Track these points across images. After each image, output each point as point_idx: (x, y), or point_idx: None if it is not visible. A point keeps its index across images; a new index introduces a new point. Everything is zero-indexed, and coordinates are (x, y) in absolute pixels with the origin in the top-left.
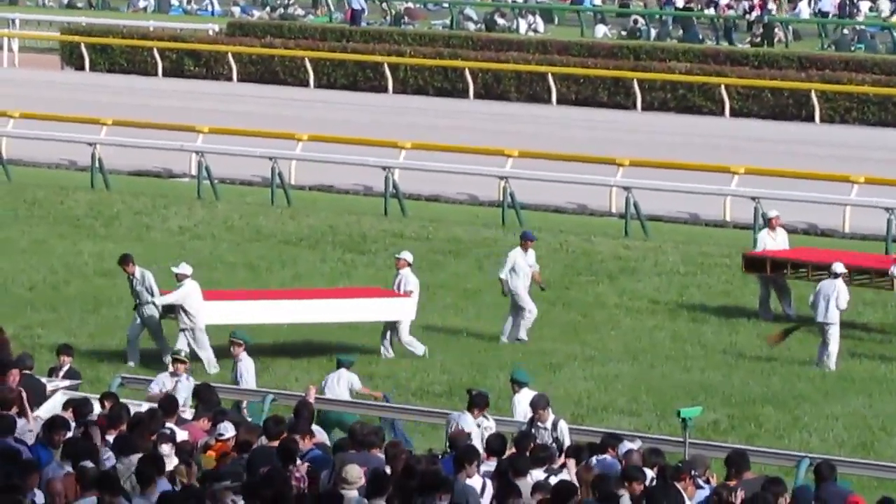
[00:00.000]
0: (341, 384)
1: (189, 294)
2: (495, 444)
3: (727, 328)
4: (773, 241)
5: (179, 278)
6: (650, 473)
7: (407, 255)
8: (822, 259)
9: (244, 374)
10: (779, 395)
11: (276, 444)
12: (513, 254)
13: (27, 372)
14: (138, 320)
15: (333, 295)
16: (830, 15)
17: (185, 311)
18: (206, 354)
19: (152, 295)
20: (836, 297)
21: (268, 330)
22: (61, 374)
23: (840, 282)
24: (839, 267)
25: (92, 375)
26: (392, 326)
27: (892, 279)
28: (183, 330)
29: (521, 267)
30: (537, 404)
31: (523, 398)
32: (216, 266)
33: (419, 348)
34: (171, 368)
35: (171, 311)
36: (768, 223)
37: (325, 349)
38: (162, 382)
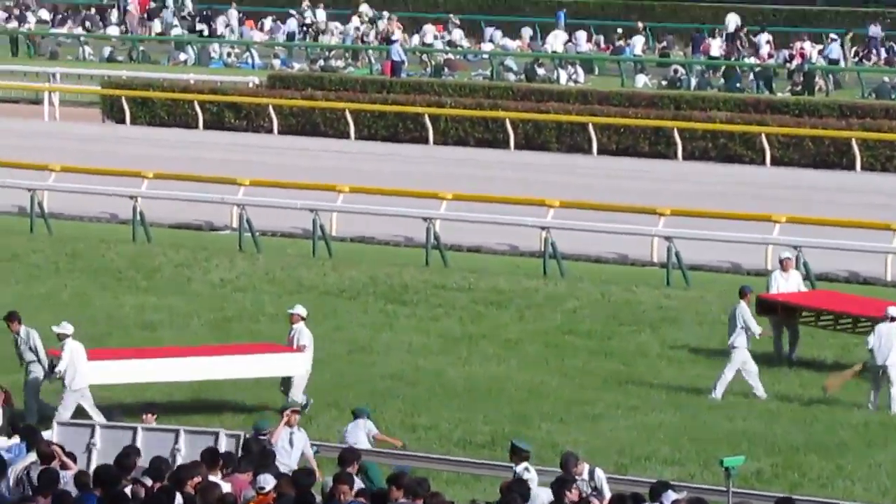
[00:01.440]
0: (359, 433)
1: (72, 353)
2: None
3: (769, 376)
4: (785, 283)
5: (61, 338)
6: None
7: (300, 310)
8: (833, 304)
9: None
10: (822, 444)
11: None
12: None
13: None
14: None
15: (224, 351)
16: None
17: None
18: (65, 414)
19: (37, 355)
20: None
21: (309, 381)
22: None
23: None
24: (894, 311)
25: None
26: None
27: None
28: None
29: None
30: (568, 462)
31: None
32: (258, 318)
33: (301, 399)
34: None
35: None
36: (781, 265)
37: (368, 398)
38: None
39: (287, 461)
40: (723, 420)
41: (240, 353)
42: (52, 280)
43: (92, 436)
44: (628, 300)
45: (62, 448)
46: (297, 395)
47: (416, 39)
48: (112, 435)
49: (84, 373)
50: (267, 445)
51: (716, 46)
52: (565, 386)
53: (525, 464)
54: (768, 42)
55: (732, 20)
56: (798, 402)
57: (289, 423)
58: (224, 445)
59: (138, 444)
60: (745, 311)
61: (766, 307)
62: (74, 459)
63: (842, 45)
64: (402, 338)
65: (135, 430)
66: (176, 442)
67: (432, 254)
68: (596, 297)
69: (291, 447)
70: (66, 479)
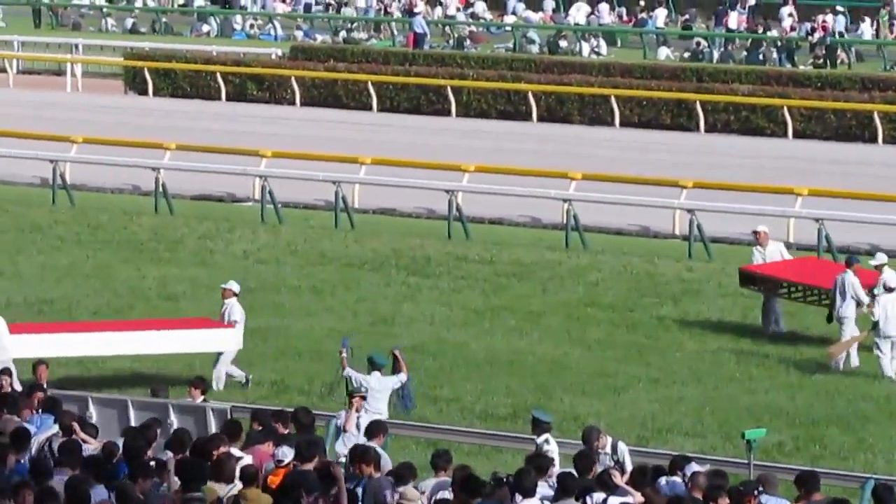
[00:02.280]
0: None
1: None
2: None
3: (791, 349)
4: (760, 256)
5: None
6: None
7: (233, 285)
8: (803, 278)
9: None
10: (843, 417)
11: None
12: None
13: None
14: None
15: (154, 326)
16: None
17: None
18: None
19: None
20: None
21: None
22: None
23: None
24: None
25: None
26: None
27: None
28: None
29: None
30: (589, 438)
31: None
32: (280, 290)
33: (238, 374)
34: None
35: None
36: (756, 237)
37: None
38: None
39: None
40: (744, 393)
41: (170, 328)
42: (75, 252)
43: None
44: (650, 272)
45: (82, 421)
46: (224, 371)
47: (438, 11)
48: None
49: (5, 346)
50: (341, 429)
51: (734, 19)
52: (587, 358)
53: (546, 435)
54: (791, 15)
55: None
56: (820, 375)
57: (357, 409)
58: (212, 421)
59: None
60: (854, 281)
61: (746, 279)
62: (96, 433)
63: (877, 22)
64: (425, 310)
65: (86, 400)
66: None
67: (454, 226)
68: (618, 269)
69: (359, 431)
70: (88, 452)
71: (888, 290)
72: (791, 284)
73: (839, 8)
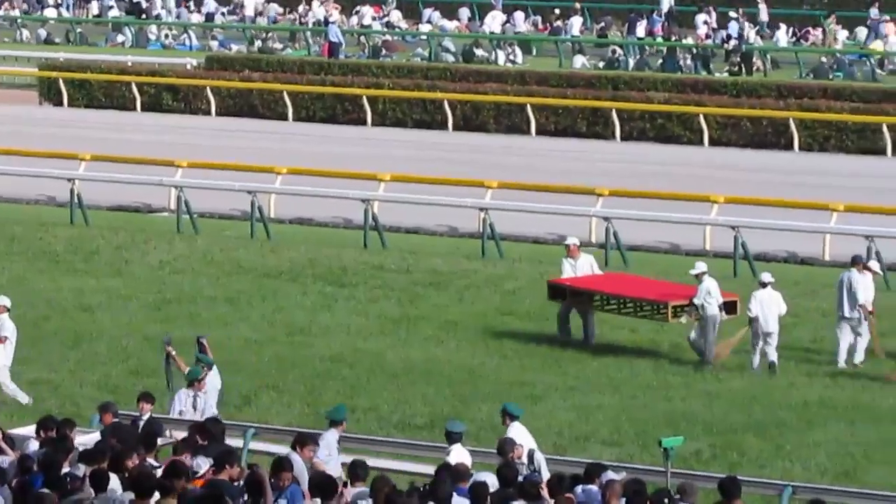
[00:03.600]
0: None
1: None
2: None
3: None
4: (571, 269)
5: None
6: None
7: (4, 300)
8: (619, 288)
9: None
10: (761, 424)
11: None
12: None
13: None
14: None
15: None
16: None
17: None
18: None
19: None
20: (857, 290)
21: (248, 363)
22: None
23: (857, 275)
24: (874, 266)
25: (72, 411)
26: None
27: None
28: None
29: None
30: (504, 449)
31: (515, 432)
32: (196, 300)
33: (23, 397)
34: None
35: None
36: (567, 250)
37: (307, 380)
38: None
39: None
40: (661, 401)
41: None
42: None
43: None
44: None
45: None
46: (11, 385)
47: (353, 20)
48: None
49: None
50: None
51: (642, 28)
52: (504, 367)
53: (457, 445)
54: (706, 23)
55: (667, 1)
56: (737, 383)
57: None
58: None
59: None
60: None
61: (556, 292)
62: (13, 445)
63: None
64: (341, 319)
65: None
66: None
67: (371, 235)
68: (534, 277)
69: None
70: (4, 464)
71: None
72: (603, 296)
73: (732, 14)
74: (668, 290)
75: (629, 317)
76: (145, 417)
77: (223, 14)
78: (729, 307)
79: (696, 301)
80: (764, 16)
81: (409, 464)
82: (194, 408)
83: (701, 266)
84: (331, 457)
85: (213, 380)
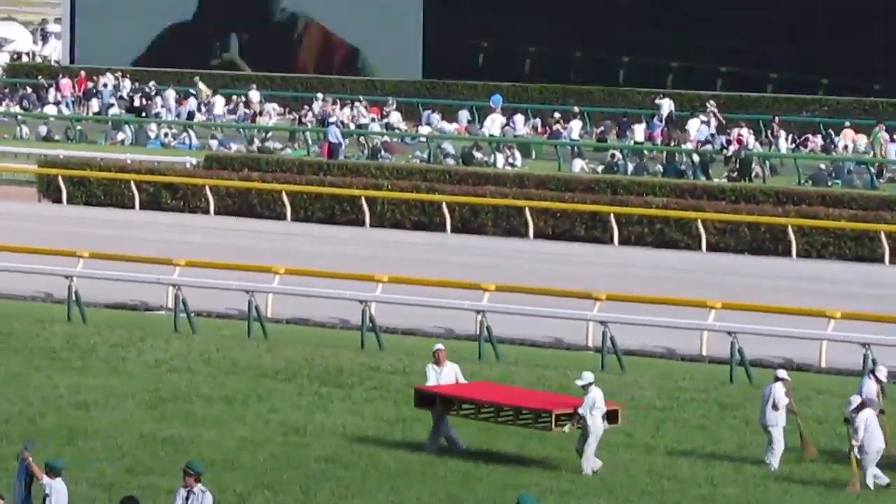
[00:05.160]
0: None
1: None
2: None
3: (703, 463)
4: (435, 376)
5: None
6: None
7: None
8: (493, 396)
9: None
10: None
11: None
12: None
13: None
14: None
15: None
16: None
17: None
18: None
19: None
20: (772, 400)
21: (243, 463)
22: None
23: (777, 385)
24: (781, 372)
25: None
26: None
27: (552, 420)
28: None
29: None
30: None
31: None
32: (192, 399)
33: None
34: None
35: None
36: (434, 357)
37: (302, 480)
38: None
39: None
40: None
41: None
42: None
43: None
44: (563, 384)
45: None
46: None
47: (350, 120)
48: None
49: None
50: None
51: (640, 132)
52: (499, 470)
53: None
54: (702, 126)
55: (666, 105)
56: (732, 489)
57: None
58: None
59: None
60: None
61: (424, 399)
62: None
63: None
64: (337, 420)
65: None
66: None
67: (368, 336)
68: (531, 381)
69: None
70: None
71: (586, 388)
72: (479, 404)
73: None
74: (550, 400)
75: (507, 425)
76: None
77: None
78: (611, 416)
79: (581, 411)
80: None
81: None
82: (187, 501)
83: (588, 376)
84: None
85: (59, 487)
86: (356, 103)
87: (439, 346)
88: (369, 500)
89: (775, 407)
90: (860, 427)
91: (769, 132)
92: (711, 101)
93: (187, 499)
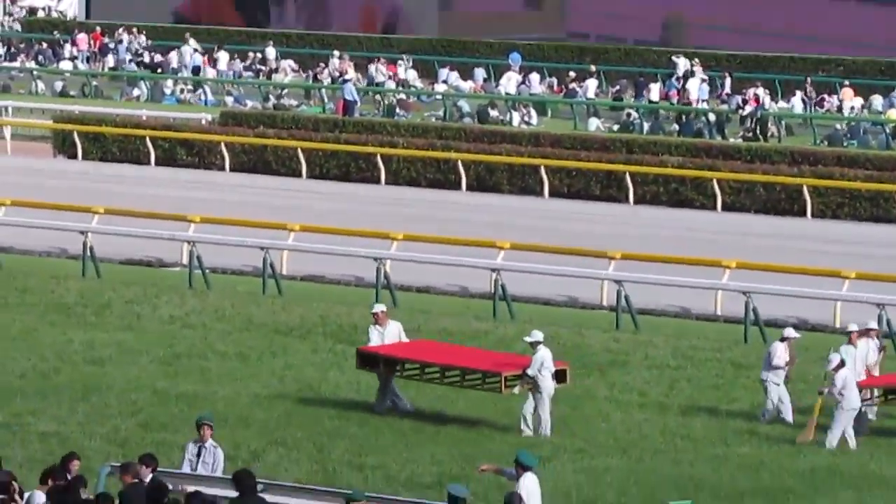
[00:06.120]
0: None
1: None
2: None
3: (717, 422)
4: (379, 337)
5: None
6: None
7: None
8: (438, 357)
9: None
10: (768, 490)
11: None
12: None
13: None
14: None
15: None
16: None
17: None
18: None
19: None
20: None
21: (257, 420)
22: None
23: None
24: (787, 331)
25: (82, 464)
26: None
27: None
28: None
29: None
30: (512, 502)
31: (527, 482)
32: (207, 355)
33: None
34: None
35: None
36: (376, 318)
37: (316, 437)
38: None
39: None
40: (669, 465)
41: None
42: (1, 314)
43: None
44: (577, 343)
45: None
46: None
47: (368, 78)
48: None
49: None
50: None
51: (655, 91)
52: (512, 428)
53: None
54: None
55: (682, 64)
56: (745, 448)
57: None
58: None
59: None
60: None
61: (367, 360)
62: (21, 495)
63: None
64: (351, 377)
65: None
66: None
67: (382, 294)
68: (545, 339)
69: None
70: None
71: (534, 346)
72: (424, 365)
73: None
74: (497, 360)
75: (454, 387)
76: (147, 479)
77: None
78: (559, 375)
79: (529, 372)
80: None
81: None
82: (198, 456)
83: (537, 335)
84: None
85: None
86: (375, 62)
87: (380, 306)
88: (383, 457)
89: (771, 364)
90: (838, 385)
91: (804, 93)
92: (696, 59)
93: (198, 453)
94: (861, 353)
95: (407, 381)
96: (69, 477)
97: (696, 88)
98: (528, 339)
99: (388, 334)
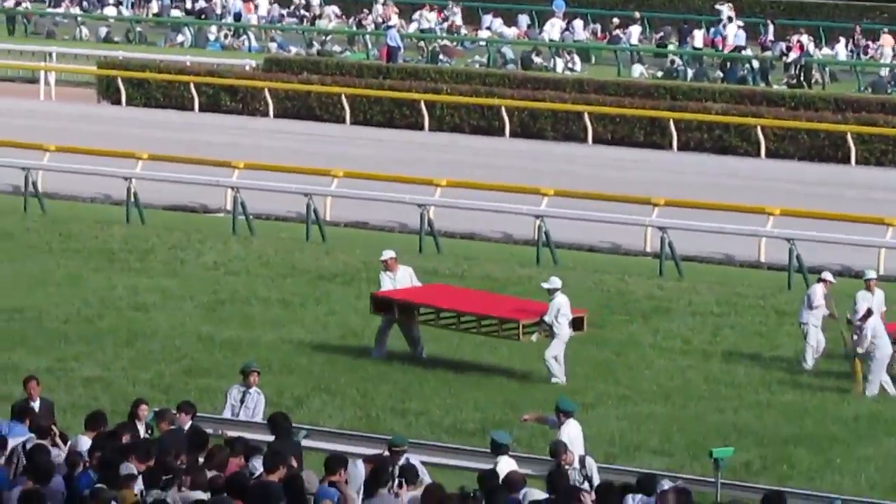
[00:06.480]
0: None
1: None
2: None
3: (760, 369)
4: (391, 282)
5: None
6: None
7: None
8: (453, 302)
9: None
10: (811, 437)
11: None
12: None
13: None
14: None
15: None
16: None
17: None
18: None
19: None
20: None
21: (301, 366)
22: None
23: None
24: (825, 274)
25: (125, 409)
26: None
27: (520, 330)
28: None
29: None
30: (557, 451)
31: (568, 428)
32: (251, 301)
33: None
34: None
35: None
36: (386, 265)
37: (360, 383)
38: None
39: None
40: (713, 411)
41: None
42: (46, 260)
43: None
44: (621, 290)
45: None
46: None
47: (413, 25)
48: None
49: None
50: None
51: (699, 37)
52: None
53: (503, 457)
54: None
55: (725, 10)
56: (788, 395)
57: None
58: None
59: None
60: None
61: (381, 306)
62: (66, 440)
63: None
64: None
65: None
66: None
67: (426, 240)
68: (589, 286)
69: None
70: (60, 459)
71: (551, 292)
72: (440, 311)
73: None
74: (514, 307)
75: (469, 333)
76: (186, 427)
77: (282, 15)
78: (577, 323)
79: (546, 319)
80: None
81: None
82: (241, 402)
83: (555, 281)
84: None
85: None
86: (422, 10)
87: (389, 253)
88: (426, 402)
89: (810, 306)
90: (867, 334)
91: (851, 40)
92: (729, 3)
93: (242, 399)
94: (878, 300)
95: (442, 329)
96: (137, 423)
97: (733, 35)
98: (545, 285)
99: (399, 279)
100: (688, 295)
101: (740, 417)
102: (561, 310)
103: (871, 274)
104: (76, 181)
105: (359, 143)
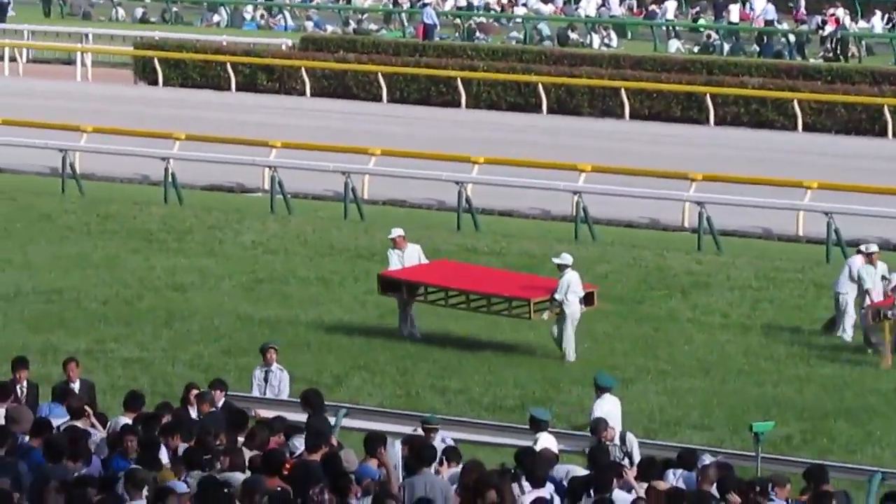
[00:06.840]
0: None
1: None
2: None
3: (799, 342)
4: (398, 260)
5: None
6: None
7: None
8: (460, 282)
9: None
10: (851, 410)
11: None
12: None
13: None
14: None
15: None
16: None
17: None
18: None
19: None
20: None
21: (340, 344)
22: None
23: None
24: (864, 246)
25: (165, 390)
26: None
27: (531, 308)
28: None
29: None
30: (598, 427)
31: (605, 403)
32: (289, 280)
33: None
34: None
35: None
36: (394, 243)
37: (399, 361)
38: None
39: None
40: (752, 386)
41: None
42: (84, 241)
43: None
44: (659, 265)
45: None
46: None
47: (449, 2)
48: None
49: None
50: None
51: (735, 12)
52: (595, 350)
53: (542, 433)
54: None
55: None
56: (828, 368)
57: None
58: None
59: None
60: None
61: (389, 286)
62: (104, 422)
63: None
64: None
65: None
66: None
67: (464, 217)
68: (627, 261)
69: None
70: (96, 439)
71: (561, 268)
72: (449, 291)
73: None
74: (523, 284)
75: (479, 312)
76: (219, 404)
77: None
78: (588, 299)
79: (556, 296)
80: None
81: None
82: (266, 381)
83: (566, 257)
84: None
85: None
86: None
87: (397, 231)
88: (466, 380)
89: (850, 278)
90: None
91: (888, 13)
92: None
93: (266, 378)
94: (880, 273)
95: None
96: (189, 408)
97: (761, 8)
98: (556, 260)
99: (407, 257)
100: (726, 269)
101: (780, 391)
102: (571, 286)
103: (873, 248)
104: (114, 162)
105: (395, 121)
